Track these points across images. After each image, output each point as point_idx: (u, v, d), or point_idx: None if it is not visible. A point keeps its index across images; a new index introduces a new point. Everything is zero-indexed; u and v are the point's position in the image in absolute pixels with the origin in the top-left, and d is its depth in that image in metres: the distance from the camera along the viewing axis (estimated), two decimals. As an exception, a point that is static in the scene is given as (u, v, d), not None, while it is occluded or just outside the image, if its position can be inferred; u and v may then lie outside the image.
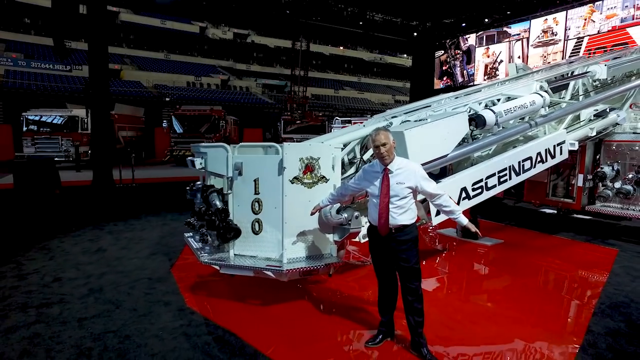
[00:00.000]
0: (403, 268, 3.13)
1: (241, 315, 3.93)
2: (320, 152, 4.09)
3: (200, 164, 4.27)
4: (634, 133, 6.67)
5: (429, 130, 4.54)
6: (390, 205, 3.04)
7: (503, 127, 5.34)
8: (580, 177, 6.72)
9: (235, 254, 4.11)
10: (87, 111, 16.25)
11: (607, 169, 6.51)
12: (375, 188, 3.14)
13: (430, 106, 6.11)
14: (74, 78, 29.63)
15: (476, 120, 4.97)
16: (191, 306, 4.09)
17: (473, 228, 3.27)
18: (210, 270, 5.13)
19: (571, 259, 5.88)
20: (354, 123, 13.85)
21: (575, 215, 8.13)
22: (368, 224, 3.42)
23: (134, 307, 4.04)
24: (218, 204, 4.05)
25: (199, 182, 4.81)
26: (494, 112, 5.07)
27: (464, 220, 3.23)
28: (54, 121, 18.22)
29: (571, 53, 12.46)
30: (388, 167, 3.08)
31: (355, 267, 5.41)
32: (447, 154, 4.73)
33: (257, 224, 4.05)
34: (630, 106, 7.15)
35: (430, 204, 3.51)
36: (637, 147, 6.42)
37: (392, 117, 5.82)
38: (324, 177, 4.09)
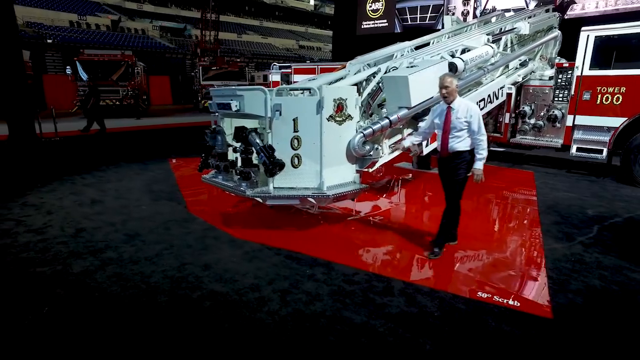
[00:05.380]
0: (451, 182, 3.99)
1: (290, 238, 4.44)
2: (347, 94, 4.66)
3: (236, 106, 4.46)
4: (540, 80, 8.40)
5: (424, 75, 5.35)
6: (450, 135, 3.86)
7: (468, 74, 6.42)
8: (507, 115, 8.35)
9: (274, 187, 4.55)
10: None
11: (526, 109, 8.20)
12: (440, 122, 3.94)
13: (394, 55, 6.91)
14: None
15: (451, 67, 5.91)
16: (240, 237, 4.46)
17: (479, 177, 3.86)
18: (226, 208, 5.48)
19: (505, 180, 7.51)
20: (295, 69, 14.10)
21: (492, 148, 9.98)
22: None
23: (187, 244, 4.25)
24: (259, 142, 4.37)
25: (215, 126, 4.99)
26: (464, 60, 6.07)
27: (480, 165, 3.85)
28: None
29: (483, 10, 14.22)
30: (450, 105, 3.87)
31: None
32: (433, 96, 5.65)
33: (296, 159, 4.52)
34: (540, 58, 8.89)
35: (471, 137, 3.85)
36: (546, 91, 8.14)
37: (367, 65, 6.50)
38: (350, 115, 4.70)
